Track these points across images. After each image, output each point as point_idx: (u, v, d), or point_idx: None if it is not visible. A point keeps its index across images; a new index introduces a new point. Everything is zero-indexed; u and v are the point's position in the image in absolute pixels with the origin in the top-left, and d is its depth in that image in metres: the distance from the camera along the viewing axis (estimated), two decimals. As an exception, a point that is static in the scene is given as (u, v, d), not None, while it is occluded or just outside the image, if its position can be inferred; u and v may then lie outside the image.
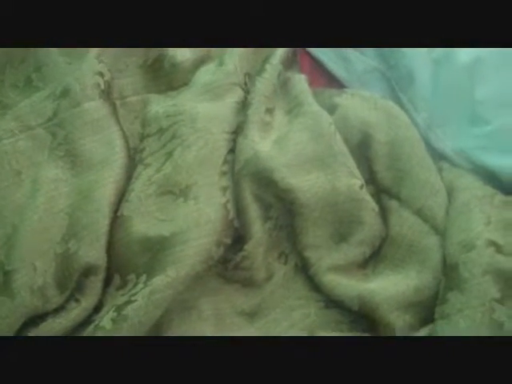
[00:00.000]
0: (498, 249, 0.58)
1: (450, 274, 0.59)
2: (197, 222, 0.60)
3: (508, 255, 0.58)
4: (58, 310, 0.60)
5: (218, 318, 0.63)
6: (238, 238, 0.64)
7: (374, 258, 0.65)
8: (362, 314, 0.61)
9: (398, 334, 0.59)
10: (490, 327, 0.55)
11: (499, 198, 0.63)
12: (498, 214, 0.61)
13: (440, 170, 0.67)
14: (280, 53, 0.70)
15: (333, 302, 0.63)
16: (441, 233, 0.62)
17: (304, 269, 0.65)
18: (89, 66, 0.67)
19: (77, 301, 0.60)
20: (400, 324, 0.59)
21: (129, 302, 0.57)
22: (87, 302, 0.60)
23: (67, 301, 0.60)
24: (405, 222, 0.64)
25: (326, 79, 0.76)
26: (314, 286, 0.64)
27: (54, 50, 0.72)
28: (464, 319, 0.55)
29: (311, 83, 0.72)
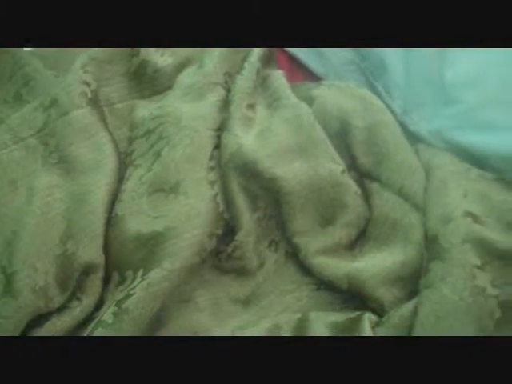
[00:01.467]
0: (476, 219, 0.61)
1: (431, 246, 0.61)
2: (188, 215, 0.63)
3: (485, 224, 0.61)
4: (60, 310, 0.62)
5: (214, 307, 0.65)
6: (229, 230, 0.66)
7: (361, 240, 0.68)
8: (352, 291, 0.64)
9: (387, 307, 0.62)
10: (472, 293, 0.57)
11: (474, 172, 0.66)
12: (474, 187, 0.64)
13: (417, 151, 0.70)
14: (258, 51, 0.73)
15: (324, 284, 0.66)
16: (421, 209, 0.65)
17: (294, 255, 0.68)
18: (74, 76, 0.70)
19: (78, 299, 0.63)
20: (388, 298, 0.62)
21: (128, 296, 0.60)
22: (88, 299, 0.63)
23: (69, 300, 0.63)
24: (387, 202, 0.67)
25: (303, 75, 0.80)
26: (305, 270, 0.67)
27: (40, 65, 0.75)
28: (447, 286, 0.57)
29: (289, 79, 0.75)
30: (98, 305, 0.63)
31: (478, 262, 0.59)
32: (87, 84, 0.71)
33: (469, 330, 0.56)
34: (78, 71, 0.71)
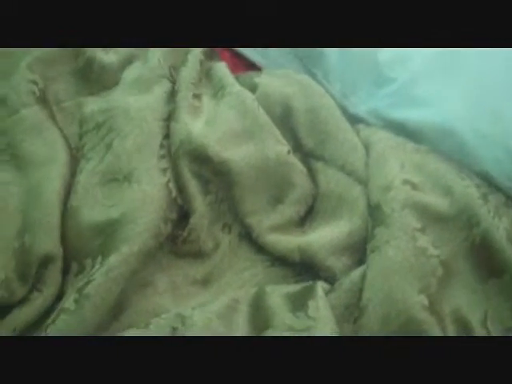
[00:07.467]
0: (414, 186, 0.66)
1: (374, 213, 0.65)
2: (142, 202, 0.65)
3: (422, 191, 0.65)
4: (22, 302, 0.63)
5: (173, 289, 0.67)
6: (183, 216, 0.69)
7: (310, 216, 0.72)
8: (304, 264, 0.67)
9: (338, 275, 0.65)
10: (414, 253, 0.61)
11: (410, 145, 0.71)
12: (410, 158, 0.69)
13: (357, 131, 0.74)
14: (199, 44, 0.77)
15: (277, 260, 0.69)
16: (364, 183, 0.69)
17: (247, 235, 0.70)
18: (21, 76, 0.72)
19: (39, 291, 0.64)
20: (339, 266, 0.65)
21: (88, 283, 0.61)
22: (49, 290, 0.64)
23: (30, 292, 0.64)
24: (331, 178, 0.71)
25: (245, 67, 0.83)
26: (258, 248, 0.70)
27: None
28: (391, 249, 0.61)
29: (232, 71, 0.78)
30: (59, 295, 0.65)
31: (418, 225, 0.63)
32: (35, 83, 0.73)
33: (414, 288, 0.60)
34: (24, 71, 0.73)
